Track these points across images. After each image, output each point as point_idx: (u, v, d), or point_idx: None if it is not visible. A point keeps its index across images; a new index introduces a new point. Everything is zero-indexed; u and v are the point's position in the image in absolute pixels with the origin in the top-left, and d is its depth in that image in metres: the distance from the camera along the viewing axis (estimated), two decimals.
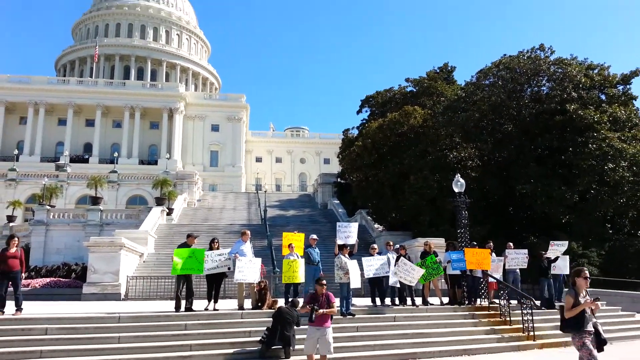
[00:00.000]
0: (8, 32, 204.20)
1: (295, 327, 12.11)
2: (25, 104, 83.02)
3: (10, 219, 48.45)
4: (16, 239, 14.02)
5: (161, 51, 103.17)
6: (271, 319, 12.30)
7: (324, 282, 11.44)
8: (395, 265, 16.18)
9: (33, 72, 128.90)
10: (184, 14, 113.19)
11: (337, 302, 14.76)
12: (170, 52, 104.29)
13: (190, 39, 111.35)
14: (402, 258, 16.44)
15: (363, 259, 16.16)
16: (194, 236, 15.27)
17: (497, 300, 16.56)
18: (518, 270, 18.73)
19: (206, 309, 14.58)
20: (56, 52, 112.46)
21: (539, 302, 17.74)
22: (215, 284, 15.13)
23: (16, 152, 71.98)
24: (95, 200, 44.02)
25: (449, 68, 50.29)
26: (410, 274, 16.01)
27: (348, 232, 16.70)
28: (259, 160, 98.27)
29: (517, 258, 18.42)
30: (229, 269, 15.12)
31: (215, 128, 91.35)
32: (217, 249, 15.30)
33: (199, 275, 15.06)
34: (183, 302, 14.57)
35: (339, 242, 16.16)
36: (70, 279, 29.78)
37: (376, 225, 37.91)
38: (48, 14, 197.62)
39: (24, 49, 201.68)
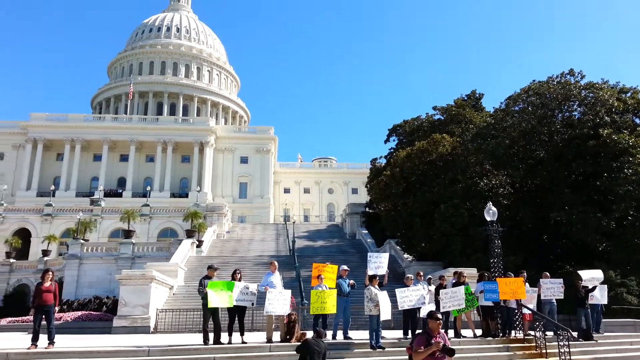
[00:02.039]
0: (47, 72, 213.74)
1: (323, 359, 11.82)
2: (62, 141, 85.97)
3: (45, 253, 49.65)
4: (50, 273, 14.26)
5: (192, 87, 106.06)
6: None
7: (439, 315, 9.01)
8: (439, 296, 15.86)
9: (70, 110, 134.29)
10: (214, 50, 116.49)
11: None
12: (201, 88, 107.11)
13: (221, 74, 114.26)
14: (442, 290, 16.14)
15: (397, 290, 15.83)
16: (214, 268, 15.34)
17: (532, 332, 15.94)
18: (554, 301, 18.07)
19: (229, 343, 14.41)
20: (92, 91, 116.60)
21: (576, 333, 17.00)
22: (238, 316, 14.99)
23: (52, 187, 74.30)
24: (128, 234, 44.79)
25: (477, 95, 50.04)
26: (455, 297, 15.63)
27: (379, 263, 16.45)
28: (287, 191, 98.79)
29: (553, 288, 17.79)
30: (252, 304, 15.05)
31: (244, 160, 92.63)
32: (240, 280, 15.24)
33: (224, 308, 14.97)
34: (211, 335, 14.50)
35: (370, 272, 15.91)
36: (101, 312, 30.12)
37: (406, 255, 37.34)
38: (84, 55, 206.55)
39: (61, 88, 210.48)
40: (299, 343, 13.98)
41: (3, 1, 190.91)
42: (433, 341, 8.03)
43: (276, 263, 16.44)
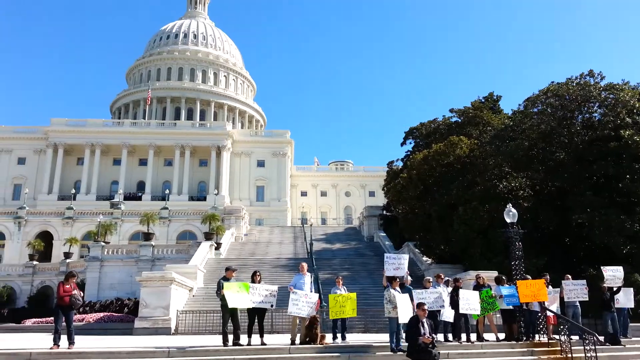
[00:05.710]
0: (67, 79, 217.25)
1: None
2: (82, 145, 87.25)
3: (67, 255, 50.35)
4: (75, 277, 14.38)
5: (209, 92, 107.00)
6: (318, 354, 12.05)
7: None
8: (457, 297, 15.75)
9: (90, 115, 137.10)
10: (231, 56, 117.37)
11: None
12: (218, 93, 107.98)
13: (237, 79, 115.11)
14: (460, 290, 16.00)
15: (414, 292, 15.68)
16: (232, 269, 15.41)
17: (556, 336, 15.66)
18: (578, 304, 17.76)
19: (248, 344, 14.40)
20: (111, 97, 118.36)
21: (603, 337, 16.66)
22: (258, 318, 15.01)
23: (73, 191, 75.31)
24: (148, 236, 45.16)
25: (495, 97, 49.54)
26: (471, 302, 15.52)
27: (397, 264, 16.26)
28: (304, 194, 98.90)
29: (576, 289, 17.49)
30: (272, 305, 15.06)
31: (261, 164, 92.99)
32: (259, 282, 15.27)
33: (243, 310, 14.99)
34: (230, 337, 14.54)
35: (387, 273, 15.80)
36: (122, 314, 30.40)
37: (424, 258, 37.05)
38: (103, 62, 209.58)
39: (81, 94, 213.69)
40: (320, 345, 14.02)
41: (23, 9, 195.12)
42: None
43: (305, 265, 16.46)
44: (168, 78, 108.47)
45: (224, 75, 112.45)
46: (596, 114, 33.81)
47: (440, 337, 15.96)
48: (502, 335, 16.65)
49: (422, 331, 11.27)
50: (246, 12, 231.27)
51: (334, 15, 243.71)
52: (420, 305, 12.21)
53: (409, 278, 17.29)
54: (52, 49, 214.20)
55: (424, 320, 11.78)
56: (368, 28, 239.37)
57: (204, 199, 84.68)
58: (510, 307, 16.10)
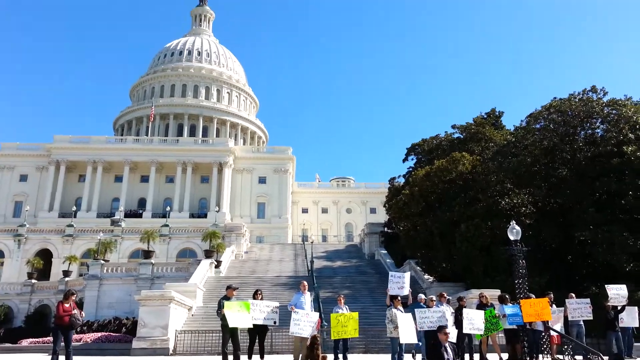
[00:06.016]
0: (70, 96, 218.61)
1: None
2: (84, 162, 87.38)
3: (66, 273, 50.03)
4: (74, 295, 14.25)
5: (212, 109, 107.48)
6: None
7: None
8: (461, 317, 15.49)
9: (93, 132, 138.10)
10: (234, 73, 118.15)
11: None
12: (221, 109, 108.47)
13: (240, 96, 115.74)
14: (464, 309, 15.76)
15: (416, 310, 15.45)
16: (233, 288, 15.25)
17: (560, 356, 15.38)
18: (582, 323, 17.47)
19: None
20: (114, 113, 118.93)
21: (607, 357, 16.35)
22: (259, 338, 14.77)
23: (74, 208, 75.12)
24: (147, 254, 44.88)
25: (497, 113, 49.60)
26: (475, 322, 15.25)
27: (401, 283, 16.05)
28: (305, 211, 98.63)
29: (580, 308, 17.24)
30: (274, 322, 14.85)
31: (262, 180, 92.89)
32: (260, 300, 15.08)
33: (243, 330, 14.75)
34: (230, 357, 14.30)
35: (391, 292, 15.60)
36: (120, 334, 30.06)
37: (426, 276, 36.70)
38: (107, 79, 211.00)
39: (84, 111, 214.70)
40: None
41: (26, 26, 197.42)
42: None
43: (306, 283, 16.31)
44: (172, 95, 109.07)
45: (227, 92, 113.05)
46: (599, 130, 33.77)
47: None
48: (505, 356, 16.37)
49: (446, 357, 10.80)
50: (250, 29, 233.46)
51: (336, 33, 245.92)
52: (441, 329, 11.47)
53: (422, 296, 17.06)
54: (55, 66, 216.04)
55: (447, 344, 11.12)
56: (370, 45, 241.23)
57: (205, 216, 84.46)
58: (514, 326, 15.84)
